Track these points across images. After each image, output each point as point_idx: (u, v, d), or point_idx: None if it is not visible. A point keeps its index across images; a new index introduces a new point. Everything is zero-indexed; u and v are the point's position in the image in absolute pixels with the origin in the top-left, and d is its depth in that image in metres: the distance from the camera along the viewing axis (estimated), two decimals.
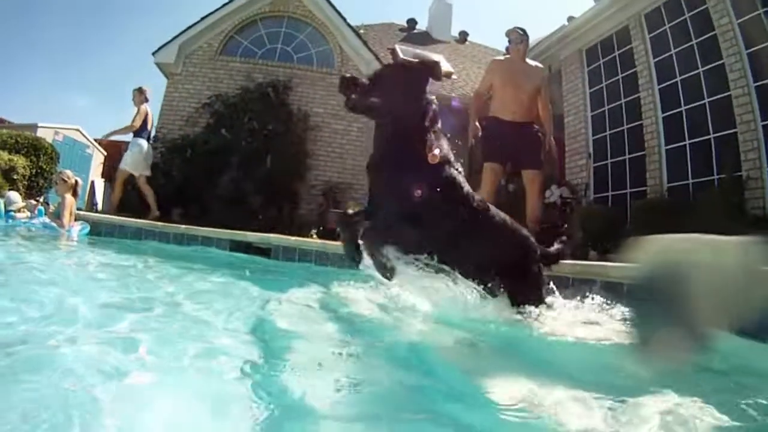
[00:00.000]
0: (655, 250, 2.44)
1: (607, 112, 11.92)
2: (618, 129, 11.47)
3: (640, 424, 1.76)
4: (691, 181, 9.52)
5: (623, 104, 11.45)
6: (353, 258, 3.53)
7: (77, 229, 7.86)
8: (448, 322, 3.31)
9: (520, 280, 3.53)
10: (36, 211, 7.95)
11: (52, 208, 8.15)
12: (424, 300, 3.56)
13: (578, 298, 3.84)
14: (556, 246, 4.05)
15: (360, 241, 3.43)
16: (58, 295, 3.13)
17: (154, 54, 14.78)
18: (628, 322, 3.26)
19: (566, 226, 9.89)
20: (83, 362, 1.87)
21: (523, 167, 7.65)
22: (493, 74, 7.97)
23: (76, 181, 8.42)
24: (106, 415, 1.52)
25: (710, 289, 2.21)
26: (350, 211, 3.73)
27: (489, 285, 3.47)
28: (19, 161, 12.38)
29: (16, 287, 3.28)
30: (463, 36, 24.37)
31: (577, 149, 12.39)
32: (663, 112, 10.40)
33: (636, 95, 11.06)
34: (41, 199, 9.57)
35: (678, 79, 10.20)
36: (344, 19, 15.57)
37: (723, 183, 8.80)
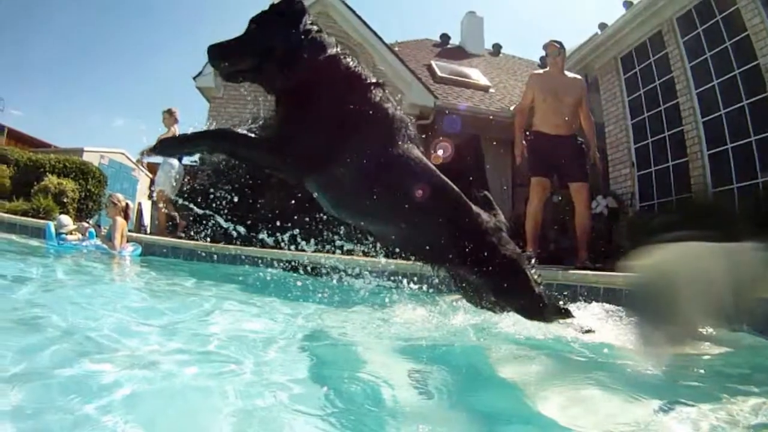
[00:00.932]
0: (652, 258, 2.56)
1: (647, 119, 11.77)
2: (659, 136, 11.32)
3: None
4: (736, 185, 9.38)
5: (662, 111, 11.31)
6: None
7: (129, 250, 8.03)
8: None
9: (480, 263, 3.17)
10: (87, 234, 8.09)
11: (103, 230, 8.31)
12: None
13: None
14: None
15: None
16: (116, 312, 3.31)
17: (195, 78, 14.99)
18: (629, 324, 3.37)
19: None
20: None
21: (569, 180, 7.67)
22: (533, 88, 8.02)
23: (127, 204, 8.60)
24: None
25: (703, 292, 2.39)
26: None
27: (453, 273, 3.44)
28: (68, 185, 12.71)
29: (67, 306, 3.38)
30: (497, 48, 24.40)
31: (620, 158, 12.24)
32: (703, 117, 10.25)
33: (675, 101, 10.92)
34: (91, 222, 9.77)
35: (715, 82, 10.08)
36: (379, 38, 15.72)
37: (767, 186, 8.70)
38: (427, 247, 3.25)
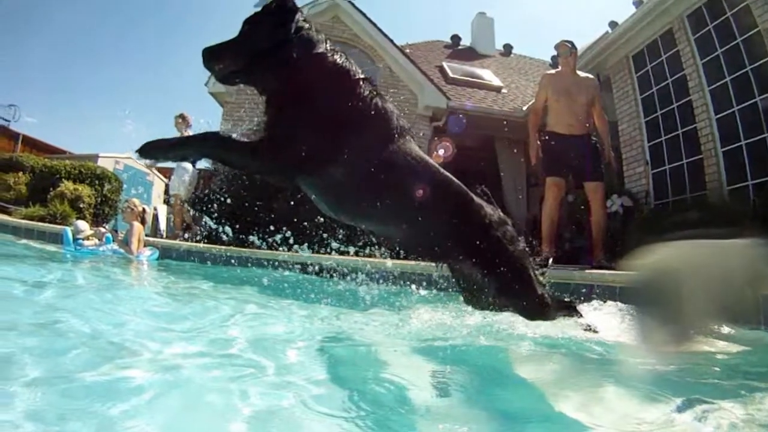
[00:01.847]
0: (654, 256, 2.60)
1: (660, 117, 11.67)
2: (673, 134, 11.23)
3: None
4: (750, 182, 9.33)
5: (675, 108, 11.22)
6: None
7: (146, 254, 8.13)
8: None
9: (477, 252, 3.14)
10: (104, 239, 8.16)
11: (120, 235, 8.38)
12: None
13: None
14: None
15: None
16: (135, 314, 3.38)
17: (206, 84, 15.05)
18: (630, 321, 3.41)
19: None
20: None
21: (584, 179, 7.67)
22: (546, 89, 8.03)
23: (143, 209, 8.67)
24: None
25: (705, 289, 2.41)
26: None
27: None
28: (84, 190, 12.81)
29: (88, 310, 3.42)
30: (508, 49, 24.36)
31: (634, 156, 12.15)
32: (716, 114, 10.16)
33: (687, 98, 10.82)
34: (108, 227, 9.84)
35: (727, 78, 9.97)
36: (391, 41, 15.75)
37: None
38: (429, 243, 3.24)
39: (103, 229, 8.61)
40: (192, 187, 11.40)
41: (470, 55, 22.13)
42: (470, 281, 3.40)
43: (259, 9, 3.00)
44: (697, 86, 10.50)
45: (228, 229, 9.02)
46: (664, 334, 2.51)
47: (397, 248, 3.40)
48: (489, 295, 3.34)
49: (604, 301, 4.10)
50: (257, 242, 8.28)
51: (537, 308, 3.24)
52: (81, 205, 12.42)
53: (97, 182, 13.86)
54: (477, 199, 3.21)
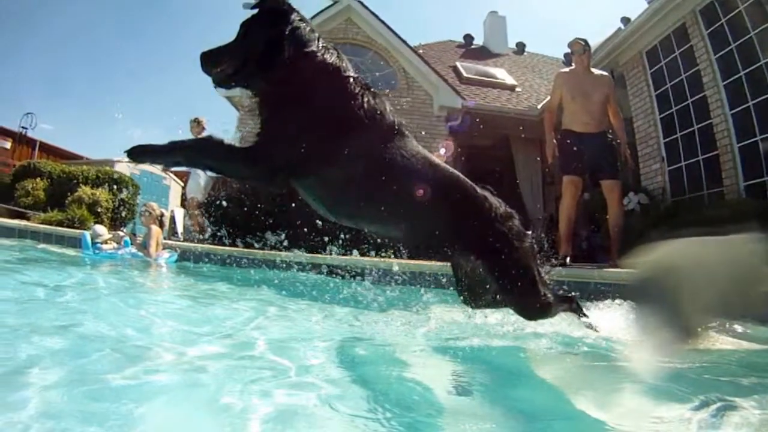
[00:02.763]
0: (654, 254, 2.63)
1: (675, 113, 11.60)
2: (688, 130, 11.16)
3: None
4: (767, 178, 9.27)
5: (690, 104, 11.14)
6: None
7: (165, 257, 8.17)
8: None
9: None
10: (122, 243, 8.22)
11: (139, 238, 8.43)
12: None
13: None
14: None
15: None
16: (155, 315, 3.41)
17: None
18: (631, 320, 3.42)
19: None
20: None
21: (601, 177, 7.65)
22: (560, 87, 8.03)
23: (161, 213, 8.73)
24: None
25: (706, 286, 2.43)
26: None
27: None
28: (102, 195, 12.90)
29: (110, 312, 3.46)
30: (521, 47, 24.30)
31: (650, 153, 12.08)
32: (731, 109, 10.09)
33: (702, 94, 10.75)
34: (126, 230, 9.90)
35: (742, 73, 9.91)
36: (404, 42, 15.74)
37: None
38: (431, 239, 3.20)
39: (121, 233, 8.65)
40: (207, 190, 11.45)
41: (483, 54, 22.09)
42: (472, 278, 3.37)
43: (248, 9, 2.98)
44: (712, 81, 10.45)
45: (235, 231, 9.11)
46: (667, 332, 2.52)
47: (400, 246, 3.37)
48: (490, 292, 3.34)
49: (624, 300, 4.09)
50: (270, 243, 8.34)
51: (537, 309, 3.20)
52: (99, 210, 12.52)
53: (114, 187, 13.97)
54: (481, 192, 3.16)
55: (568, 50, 8.42)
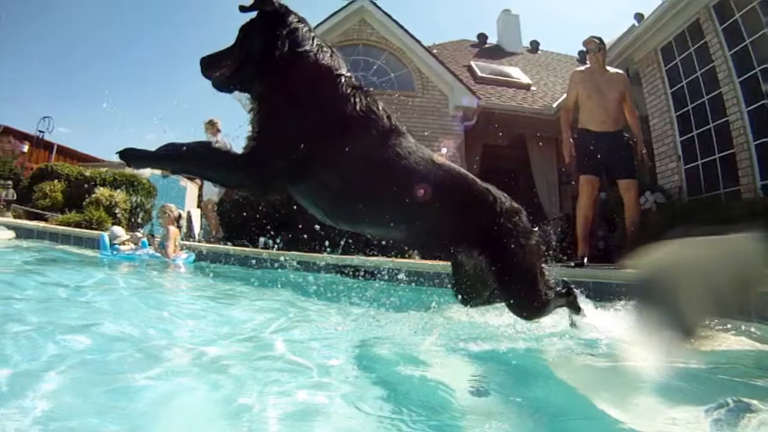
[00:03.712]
0: (654, 255, 2.73)
1: (690, 111, 11.43)
2: (705, 128, 11.00)
3: None
4: None
5: (706, 101, 10.97)
6: None
7: (183, 257, 8.25)
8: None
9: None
10: (139, 244, 8.29)
11: (157, 239, 8.50)
12: None
13: None
14: None
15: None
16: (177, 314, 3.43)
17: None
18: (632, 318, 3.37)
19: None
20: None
21: (618, 177, 7.64)
22: (576, 86, 8.01)
23: (179, 214, 8.80)
24: None
25: (704, 285, 2.52)
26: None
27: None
28: (119, 197, 12.98)
29: (132, 312, 3.53)
30: (535, 46, 24.18)
31: (666, 152, 11.93)
32: (747, 106, 9.92)
33: (717, 91, 10.58)
34: (143, 231, 9.96)
35: (757, 69, 9.73)
36: (419, 42, 15.76)
37: None
38: (434, 238, 3.21)
39: (139, 234, 8.73)
40: (222, 191, 11.49)
41: (497, 53, 22.02)
42: (473, 276, 3.36)
43: (243, 11, 2.97)
44: (727, 78, 10.31)
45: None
46: (667, 330, 2.59)
47: (400, 245, 3.33)
48: (489, 290, 3.33)
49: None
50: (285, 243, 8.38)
51: (533, 309, 3.18)
52: (116, 211, 12.60)
53: (131, 188, 14.06)
54: (484, 186, 3.14)
55: (583, 48, 8.41)
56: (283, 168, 2.79)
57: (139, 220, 13.24)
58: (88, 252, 8.38)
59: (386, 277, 6.40)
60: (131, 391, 1.96)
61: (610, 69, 8.26)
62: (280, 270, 7.33)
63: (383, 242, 3.30)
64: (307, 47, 2.88)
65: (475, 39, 23.38)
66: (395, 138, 2.91)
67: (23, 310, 3.18)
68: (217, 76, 2.98)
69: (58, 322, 2.91)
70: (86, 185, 13.61)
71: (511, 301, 3.15)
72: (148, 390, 1.96)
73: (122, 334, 2.79)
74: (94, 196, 12.68)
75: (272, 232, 9.68)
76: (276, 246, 8.92)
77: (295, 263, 7.36)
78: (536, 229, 3.27)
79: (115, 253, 7.92)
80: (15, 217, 12.61)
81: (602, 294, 4.56)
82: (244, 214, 10.48)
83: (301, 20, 2.99)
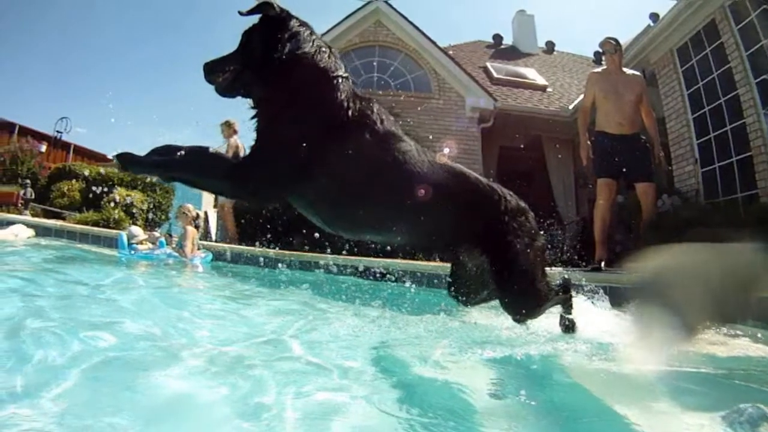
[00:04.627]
0: (656, 260, 2.85)
1: (707, 113, 11.31)
2: (722, 130, 10.88)
3: None
4: None
5: (723, 103, 10.86)
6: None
7: (200, 257, 8.33)
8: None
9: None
10: (157, 243, 8.36)
11: (175, 239, 8.56)
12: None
13: None
14: None
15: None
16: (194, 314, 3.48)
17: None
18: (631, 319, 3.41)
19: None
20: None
21: (635, 180, 7.59)
22: (593, 88, 7.98)
23: (197, 214, 8.86)
24: None
25: (702, 290, 2.62)
26: None
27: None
28: (137, 196, 13.08)
29: (151, 310, 3.60)
30: (550, 46, 24.11)
31: (683, 155, 11.80)
32: (764, 108, 9.79)
33: (734, 92, 10.48)
34: (161, 231, 10.02)
35: None
36: (434, 43, 15.80)
37: None
38: (437, 240, 3.20)
39: (156, 234, 8.79)
40: None
41: (513, 54, 21.97)
42: (474, 276, 3.33)
43: (242, 15, 2.96)
44: (744, 79, 10.21)
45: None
46: (664, 332, 2.68)
47: (403, 249, 3.30)
48: (488, 289, 3.31)
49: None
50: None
51: (529, 311, 3.17)
52: (133, 211, 12.70)
53: (149, 188, 14.16)
54: (487, 184, 3.14)
55: (599, 49, 8.38)
56: (276, 178, 2.80)
57: (156, 219, 13.32)
58: (106, 251, 8.45)
59: (406, 280, 6.41)
60: (152, 389, 2.00)
61: (627, 70, 8.24)
62: (297, 271, 7.37)
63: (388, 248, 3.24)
64: (306, 49, 2.88)
65: (490, 40, 23.31)
66: (391, 142, 2.88)
67: (45, 307, 3.21)
68: (220, 81, 2.98)
69: (79, 319, 2.96)
70: (104, 185, 13.70)
71: (507, 301, 3.17)
72: (168, 388, 1.99)
73: (143, 333, 2.82)
74: (111, 195, 12.77)
75: (290, 236, 9.70)
76: (292, 247, 8.95)
77: (308, 264, 7.39)
78: (545, 232, 3.26)
79: (132, 252, 7.98)
80: (33, 215, 12.75)
81: (618, 299, 4.54)
82: (259, 216, 10.51)
83: (303, 24, 2.99)
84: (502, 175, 15.00)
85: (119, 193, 12.91)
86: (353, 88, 2.94)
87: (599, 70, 8.58)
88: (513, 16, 23.98)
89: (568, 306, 3.43)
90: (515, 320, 3.22)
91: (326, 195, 2.87)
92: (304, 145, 2.72)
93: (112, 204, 12.51)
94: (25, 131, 18.62)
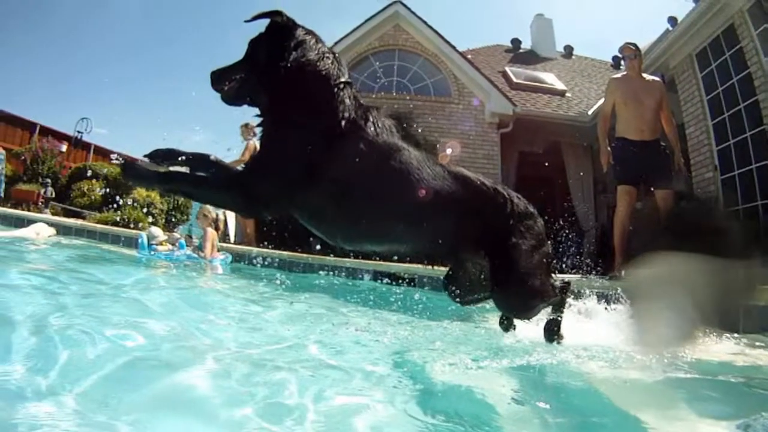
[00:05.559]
0: (651, 267, 3.06)
1: (727, 119, 11.19)
2: (741, 136, 10.75)
3: None
4: None
5: (742, 109, 10.74)
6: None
7: (220, 259, 8.38)
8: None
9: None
10: (177, 244, 8.42)
11: (195, 240, 8.62)
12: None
13: None
14: None
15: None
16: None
17: None
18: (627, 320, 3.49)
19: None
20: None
21: (655, 187, 7.55)
22: (613, 93, 7.94)
23: (217, 216, 8.92)
24: None
25: (689, 297, 2.88)
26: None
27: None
28: (157, 197, 13.17)
29: (173, 311, 3.65)
30: (569, 50, 23.97)
31: (702, 162, 11.67)
32: None
33: (754, 98, 10.36)
34: (180, 231, 10.07)
35: None
36: (454, 47, 15.76)
37: None
38: (440, 248, 3.12)
39: (176, 235, 8.84)
40: None
41: (532, 58, 21.85)
42: (475, 278, 3.34)
43: (248, 22, 2.98)
44: (763, 85, 10.12)
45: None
46: (656, 335, 2.98)
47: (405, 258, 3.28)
48: (488, 290, 3.24)
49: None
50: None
51: (526, 313, 3.19)
52: (153, 211, 12.80)
53: None
54: (492, 186, 3.12)
55: (618, 54, 8.37)
56: (275, 187, 2.80)
57: (176, 220, 13.40)
58: (126, 251, 8.52)
59: (425, 284, 6.44)
60: (176, 389, 2.04)
61: (647, 76, 8.20)
62: (318, 274, 7.40)
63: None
64: (310, 57, 2.88)
65: (509, 44, 23.22)
66: (387, 152, 2.86)
67: (68, 305, 3.25)
68: (226, 90, 3.00)
69: (103, 318, 2.98)
70: (123, 185, 13.80)
71: (505, 303, 3.20)
72: (192, 389, 2.03)
73: (167, 333, 2.86)
74: (131, 195, 12.87)
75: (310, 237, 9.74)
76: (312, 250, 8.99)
77: (335, 269, 7.42)
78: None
79: (152, 252, 8.03)
80: (53, 214, 12.85)
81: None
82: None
83: (309, 32, 3.00)
84: (521, 181, 14.98)
85: (139, 193, 13.01)
86: (355, 94, 2.94)
87: (619, 75, 8.53)
88: (531, 20, 23.86)
89: (559, 308, 3.37)
90: (514, 318, 3.35)
91: (325, 206, 2.86)
92: (303, 154, 2.75)
93: (130, 203, 12.61)
94: (45, 131, 18.74)
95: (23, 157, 15.82)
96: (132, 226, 11.36)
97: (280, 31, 2.93)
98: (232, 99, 3.04)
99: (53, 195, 14.24)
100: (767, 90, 10.03)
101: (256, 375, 2.27)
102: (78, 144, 20.46)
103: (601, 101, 9.18)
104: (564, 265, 6.48)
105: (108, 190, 13.47)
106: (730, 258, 2.83)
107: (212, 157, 2.98)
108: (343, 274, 7.29)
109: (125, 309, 3.41)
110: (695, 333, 3.25)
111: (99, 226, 10.61)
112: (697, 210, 4.38)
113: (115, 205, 12.45)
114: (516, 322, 3.55)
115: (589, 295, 4.09)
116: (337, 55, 3.03)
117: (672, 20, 13.14)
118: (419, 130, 3.10)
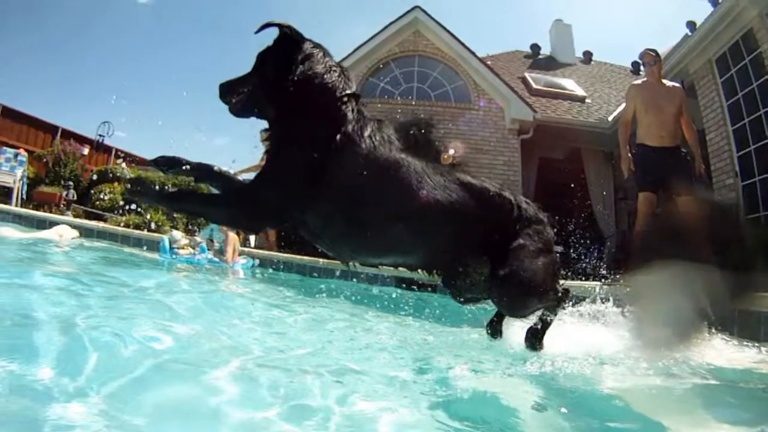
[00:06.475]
0: (650, 275, 3.30)
1: (747, 124, 11.00)
2: (762, 142, 10.56)
3: None
4: None
5: (762, 114, 10.56)
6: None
7: (241, 263, 8.46)
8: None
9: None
10: (198, 248, 8.50)
11: (216, 245, 8.68)
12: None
13: None
14: None
15: None
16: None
17: None
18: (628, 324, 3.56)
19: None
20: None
21: (676, 193, 7.53)
22: (634, 100, 7.91)
23: None
24: None
25: (685, 302, 3.10)
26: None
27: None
28: None
29: (197, 314, 3.70)
30: (588, 56, 23.85)
31: (722, 168, 11.46)
32: None
33: None
34: (201, 235, 10.12)
35: None
36: (473, 53, 15.71)
37: None
38: (445, 257, 3.16)
39: (198, 239, 8.90)
40: None
41: (551, 64, 21.73)
42: (476, 280, 3.29)
43: (257, 33, 2.99)
44: None
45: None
46: (655, 336, 3.16)
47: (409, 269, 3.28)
48: (489, 287, 3.21)
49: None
50: None
51: (519, 310, 3.20)
52: (175, 214, 12.87)
53: None
54: (497, 192, 3.13)
55: (638, 60, 8.33)
56: (278, 203, 2.83)
57: (197, 224, 13.47)
58: (148, 254, 8.58)
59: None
60: (201, 391, 2.07)
61: (667, 82, 8.17)
62: (338, 279, 7.43)
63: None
64: (317, 70, 2.90)
65: (528, 50, 23.13)
66: (387, 166, 2.87)
67: (93, 307, 3.30)
68: (234, 102, 3.03)
69: (128, 320, 3.00)
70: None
71: (505, 304, 3.21)
72: (217, 392, 2.04)
73: (192, 336, 2.89)
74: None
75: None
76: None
77: (355, 275, 7.45)
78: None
79: (174, 256, 8.10)
80: (75, 216, 12.96)
81: None
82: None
83: (317, 46, 3.01)
84: (541, 187, 14.95)
85: None
86: (359, 107, 2.95)
87: (639, 81, 8.49)
88: (550, 26, 23.79)
89: (552, 313, 3.34)
90: (508, 315, 3.35)
91: (327, 220, 2.88)
92: (303, 167, 2.78)
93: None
94: (67, 134, 18.96)
95: (45, 160, 16.01)
96: (153, 229, 11.46)
97: (289, 45, 2.95)
98: (239, 111, 3.09)
99: (75, 197, 14.39)
100: None
101: (281, 379, 2.30)
102: (100, 147, 20.68)
103: (621, 107, 9.11)
104: (583, 271, 6.46)
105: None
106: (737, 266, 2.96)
107: (216, 168, 3.03)
108: (363, 279, 7.29)
109: (150, 311, 3.46)
110: (694, 335, 3.39)
111: (120, 228, 10.68)
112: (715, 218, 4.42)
113: (138, 208, 12.53)
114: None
115: (607, 301, 4.09)
116: (345, 68, 3.07)
117: (690, 25, 13.03)
118: (437, 137, 3.11)
